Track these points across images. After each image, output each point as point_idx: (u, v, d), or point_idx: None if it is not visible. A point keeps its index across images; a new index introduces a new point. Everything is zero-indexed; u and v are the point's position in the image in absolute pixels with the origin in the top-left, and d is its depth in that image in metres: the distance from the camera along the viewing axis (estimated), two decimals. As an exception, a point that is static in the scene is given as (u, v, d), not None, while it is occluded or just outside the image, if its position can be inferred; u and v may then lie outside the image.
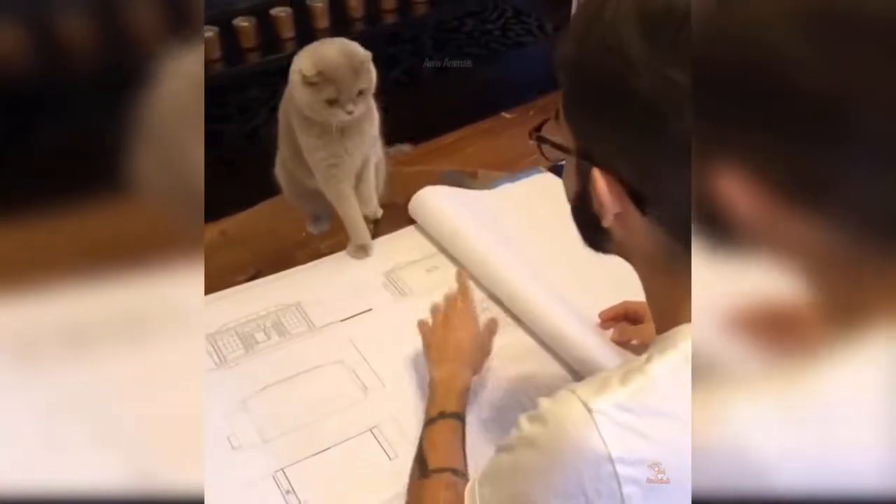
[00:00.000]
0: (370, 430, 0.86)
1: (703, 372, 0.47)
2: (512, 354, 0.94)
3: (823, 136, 0.42)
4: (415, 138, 1.95)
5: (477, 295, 1.03)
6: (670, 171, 0.50)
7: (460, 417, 0.81)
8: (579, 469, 0.51)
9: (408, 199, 1.17)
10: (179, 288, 0.58)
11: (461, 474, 0.74)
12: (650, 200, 0.53)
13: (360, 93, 0.99)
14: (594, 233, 0.60)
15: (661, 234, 0.55)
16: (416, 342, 0.96)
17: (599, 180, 0.54)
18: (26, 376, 0.59)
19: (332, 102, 0.97)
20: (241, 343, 0.97)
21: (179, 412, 0.56)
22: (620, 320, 0.94)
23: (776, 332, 0.47)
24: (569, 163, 0.60)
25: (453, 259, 1.09)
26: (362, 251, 1.12)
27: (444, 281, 1.06)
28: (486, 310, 1.01)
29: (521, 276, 1.00)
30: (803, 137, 0.42)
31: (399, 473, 0.80)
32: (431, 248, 1.13)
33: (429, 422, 0.80)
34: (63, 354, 0.60)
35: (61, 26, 0.64)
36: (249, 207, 1.25)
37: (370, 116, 1.07)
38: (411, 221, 1.17)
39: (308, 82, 0.96)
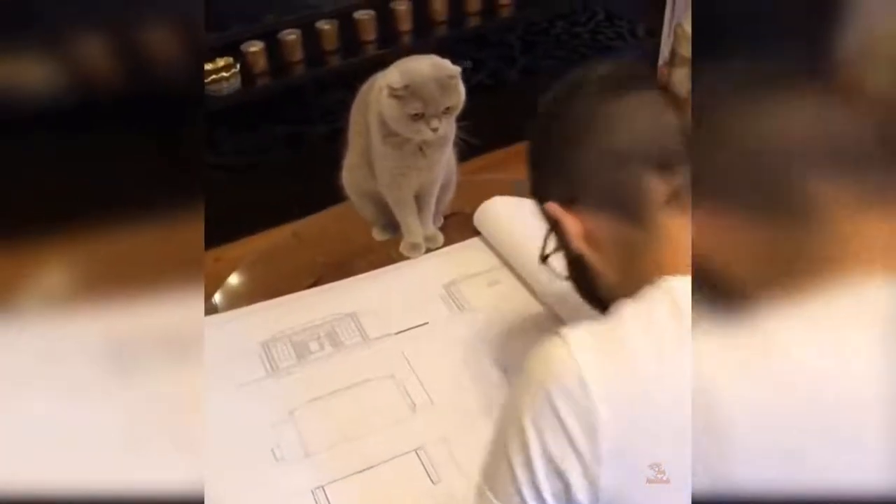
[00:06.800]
0: (415, 450, 0.82)
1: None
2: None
3: None
4: (498, 143, 1.91)
5: (535, 310, 0.99)
6: None
7: None
8: (549, 389, 0.53)
9: (476, 209, 1.13)
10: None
11: None
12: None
13: (447, 110, 0.97)
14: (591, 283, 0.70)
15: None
16: (469, 359, 0.93)
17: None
18: (119, 380, 0.58)
19: (417, 117, 0.96)
20: (293, 352, 0.95)
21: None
22: None
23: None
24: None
25: (515, 273, 1.05)
26: (416, 250, 1.10)
27: (505, 296, 1.03)
28: (543, 330, 0.96)
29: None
30: None
31: (439, 500, 0.77)
32: (494, 261, 1.08)
33: None
34: (159, 360, 0.59)
35: (144, 38, 0.64)
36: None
37: (450, 136, 1.04)
38: (479, 232, 1.13)
39: (395, 95, 0.95)
